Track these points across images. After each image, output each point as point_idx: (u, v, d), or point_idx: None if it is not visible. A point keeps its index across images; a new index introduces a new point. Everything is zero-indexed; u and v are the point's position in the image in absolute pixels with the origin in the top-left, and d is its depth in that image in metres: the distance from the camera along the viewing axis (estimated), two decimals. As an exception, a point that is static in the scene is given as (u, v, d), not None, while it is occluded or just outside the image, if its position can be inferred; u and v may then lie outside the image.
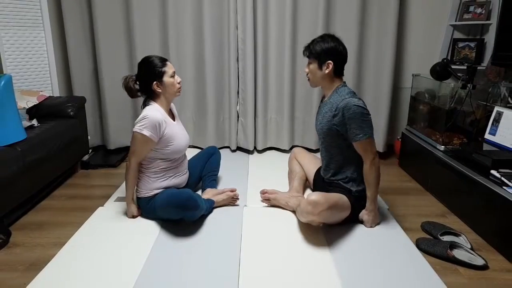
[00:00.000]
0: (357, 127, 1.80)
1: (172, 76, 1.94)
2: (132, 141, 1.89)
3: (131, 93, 1.96)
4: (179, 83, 1.98)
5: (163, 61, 1.93)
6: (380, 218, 1.99)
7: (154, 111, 1.87)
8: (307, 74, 1.97)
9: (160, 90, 1.92)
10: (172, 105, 2.11)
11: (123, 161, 2.94)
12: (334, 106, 1.85)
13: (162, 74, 1.90)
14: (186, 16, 2.87)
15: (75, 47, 2.90)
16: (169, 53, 2.91)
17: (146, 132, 1.84)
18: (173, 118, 2.05)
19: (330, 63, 1.86)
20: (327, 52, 1.86)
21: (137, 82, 1.95)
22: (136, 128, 1.85)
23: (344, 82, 1.95)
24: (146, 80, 1.91)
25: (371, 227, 1.94)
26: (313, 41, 1.92)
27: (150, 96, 1.95)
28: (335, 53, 1.87)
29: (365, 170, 1.88)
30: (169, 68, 1.93)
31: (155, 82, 1.90)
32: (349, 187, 1.93)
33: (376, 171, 1.87)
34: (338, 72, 1.92)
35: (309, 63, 1.94)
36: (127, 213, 2.03)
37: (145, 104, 1.95)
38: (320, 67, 1.89)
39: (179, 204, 1.83)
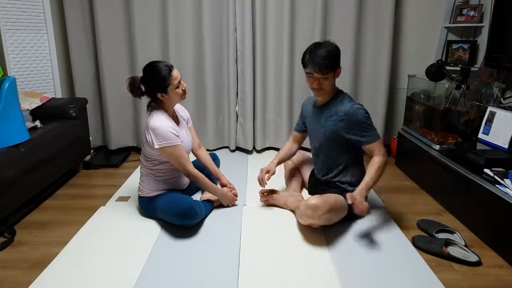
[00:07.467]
0: (367, 131, 1.82)
1: (177, 87, 1.89)
2: (171, 157, 1.87)
3: (135, 94, 1.93)
4: (183, 90, 1.93)
5: (169, 71, 1.84)
6: (377, 217, 2.03)
7: (159, 121, 1.84)
8: (321, 88, 1.85)
9: (164, 100, 1.91)
10: (178, 109, 2.10)
11: (124, 161, 2.97)
12: (341, 111, 1.84)
13: (167, 86, 1.85)
14: (186, 19, 2.89)
15: (77, 50, 2.92)
16: (169, 55, 2.94)
17: (175, 141, 1.84)
18: (177, 122, 2.04)
19: (340, 68, 1.86)
20: (338, 59, 1.82)
21: (142, 85, 1.92)
22: (165, 144, 1.82)
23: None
24: (151, 88, 1.89)
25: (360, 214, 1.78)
26: (324, 56, 1.75)
27: (155, 100, 1.93)
28: (339, 57, 1.84)
29: (375, 159, 1.82)
30: (174, 79, 1.85)
31: (159, 94, 1.88)
32: (345, 187, 1.95)
33: (383, 167, 1.83)
34: None
35: (325, 78, 1.80)
36: (223, 201, 2.11)
37: (149, 107, 1.95)
38: (334, 76, 1.86)
39: (179, 212, 1.84)
